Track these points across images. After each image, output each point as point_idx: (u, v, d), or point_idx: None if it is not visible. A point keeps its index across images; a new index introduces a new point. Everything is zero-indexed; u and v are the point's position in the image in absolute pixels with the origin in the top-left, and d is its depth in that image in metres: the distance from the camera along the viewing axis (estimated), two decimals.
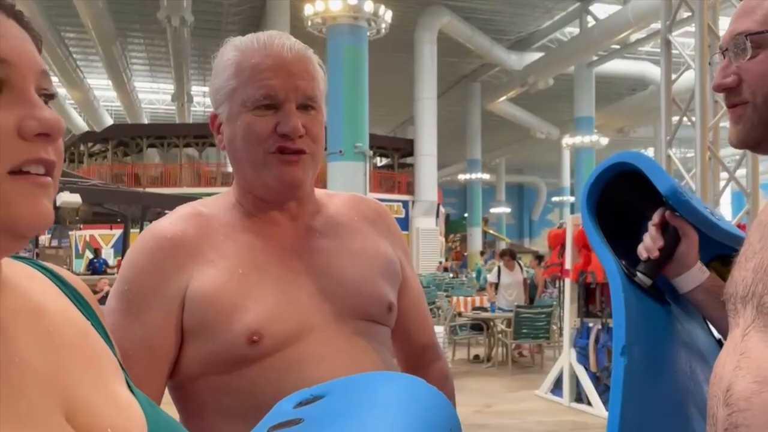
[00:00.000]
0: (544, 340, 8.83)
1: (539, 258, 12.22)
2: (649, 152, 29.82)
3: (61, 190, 9.14)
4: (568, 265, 6.82)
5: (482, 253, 28.47)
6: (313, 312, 1.02)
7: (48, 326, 0.59)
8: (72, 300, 0.66)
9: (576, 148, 25.36)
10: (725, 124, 1.02)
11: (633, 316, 1.06)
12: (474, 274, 19.15)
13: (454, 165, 35.19)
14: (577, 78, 24.33)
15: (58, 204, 8.94)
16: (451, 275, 20.83)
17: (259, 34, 1.07)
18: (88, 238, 19.20)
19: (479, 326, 9.51)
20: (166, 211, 1.10)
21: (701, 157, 6.61)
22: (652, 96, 22.59)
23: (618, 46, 22.39)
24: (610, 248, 1.14)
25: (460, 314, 10.00)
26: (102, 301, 0.85)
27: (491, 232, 36.69)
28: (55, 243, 14.89)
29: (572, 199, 32.01)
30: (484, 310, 9.92)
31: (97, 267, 13.48)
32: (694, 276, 1.12)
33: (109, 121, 28.76)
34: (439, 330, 7.85)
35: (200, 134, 22.58)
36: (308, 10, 16.00)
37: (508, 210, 41.13)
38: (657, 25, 15.85)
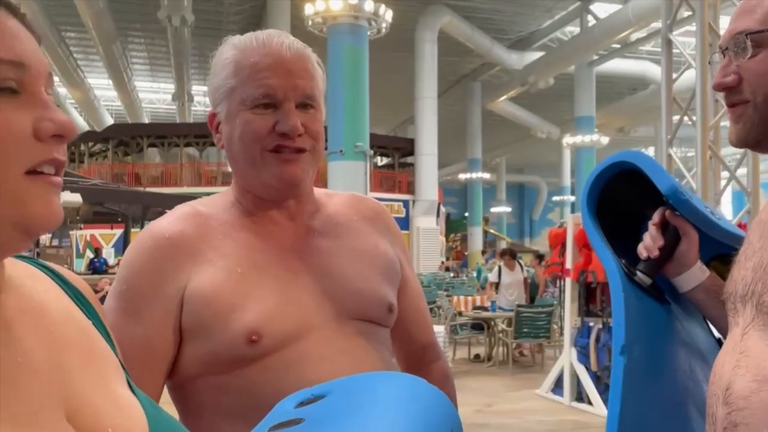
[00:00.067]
0: (545, 339, 8.83)
1: (540, 257, 12.21)
2: (650, 151, 29.81)
3: (61, 189, 9.13)
4: (568, 265, 6.82)
5: (483, 253, 28.47)
6: (313, 312, 1.02)
7: (49, 325, 0.59)
8: (73, 299, 0.66)
9: (576, 148, 25.35)
10: (726, 123, 1.02)
11: (633, 316, 1.06)
12: (474, 274, 19.14)
13: (455, 164, 35.18)
14: (577, 77, 24.31)
15: None
16: (452, 275, 20.82)
17: (258, 33, 1.07)
18: (88, 238, 19.19)
19: (480, 326, 9.51)
20: (167, 211, 1.10)
21: (702, 156, 6.61)
22: (652, 95, 22.58)
23: (618, 46, 22.38)
24: (610, 247, 1.14)
25: (460, 314, 10.00)
26: (103, 300, 0.85)
27: (492, 231, 36.68)
28: (55, 242, 14.90)
29: (573, 198, 32.00)
30: (485, 309, 9.92)
31: (97, 266, 13.47)
32: (694, 275, 1.12)
33: (110, 121, 28.76)
34: (440, 329, 7.85)
35: (201, 134, 22.58)
36: (309, 9, 15.99)
37: (508, 209, 41.12)
38: (657, 25, 15.86)
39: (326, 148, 14.87)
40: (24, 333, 0.56)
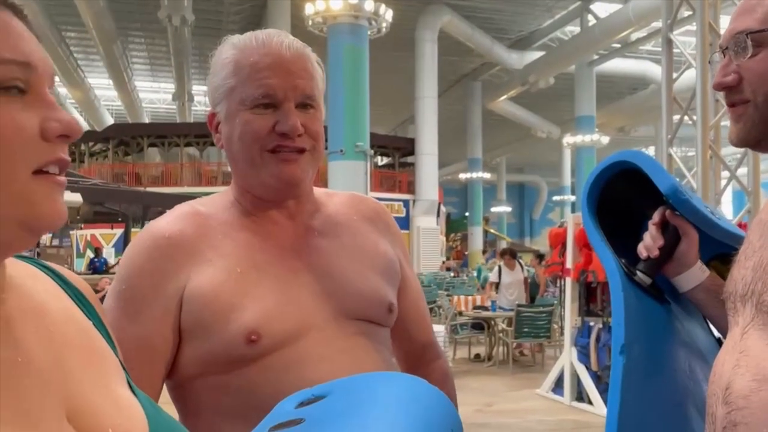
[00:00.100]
0: (545, 339, 8.83)
1: (540, 257, 12.22)
2: (650, 151, 29.81)
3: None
4: (569, 264, 6.82)
5: (484, 252, 28.48)
6: (313, 312, 1.02)
7: (50, 325, 0.59)
8: (74, 299, 0.66)
9: (577, 147, 25.35)
10: (726, 122, 1.02)
11: (632, 315, 1.06)
12: (475, 273, 19.15)
13: (455, 164, 35.18)
14: (577, 77, 24.31)
15: None
16: (452, 274, 20.83)
17: (258, 33, 1.06)
18: (89, 238, 19.21)
19: (480, 325, 9.51)
20: (167, 211, 1.10)
21: (702, 155, 6.61)
22: (653, 95, 22.59)
23: (619, 45, 22.38)
24: (610, 247, 1.14)
25: (461, 313, 10.00)
26: (103, 300, 0.85)
27: (492, 231, 36.68)
28: (56, 242, 14.91)
29: (573, 198, 32.00)
30: (485, 309, 9.93)
31: (98, 266, 13.48)
32: (693, 275, 1.12)
33: (110, 121, 28.77)
34: (440, 329, 7.85)
35: (201, 133, 22.58)
36: (309, 9, 16.00)
37: (509, 209, 41.12)
38: (658, 24, 15.85)
39: (326, 148, 14.90)
40: (25, 333, 0.56)
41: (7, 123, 0.52)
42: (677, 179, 1.14)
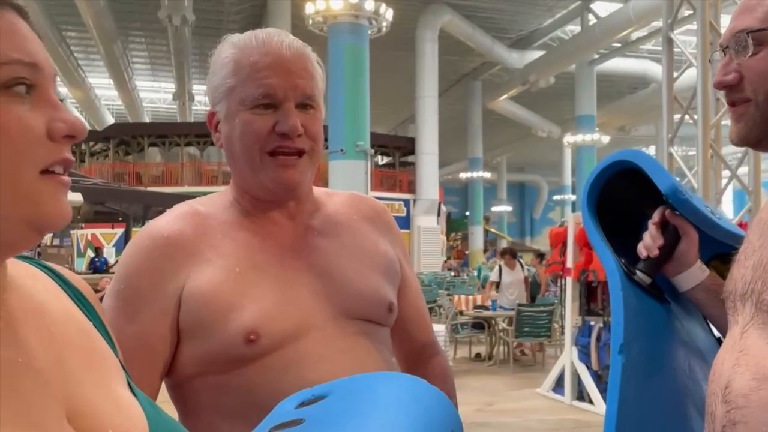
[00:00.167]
0: (546, 338, 8.83)
1: (540, 256, 12.22)
2: (651, 150, 29.81)
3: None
4: (569, 264, 6.82)
5: (485, 251, 28.49)
6: (312, 311, 1.02)
7: (50, 326, 0.59)
8: (74, 300, 0.66)
9: (577, 147, 25.34)
10: (727, 121, 1.02)
11: (631, 315, 1.06)
12: (475, 273, 19.16)
13: (456, 163, 35.17)
14: (578, 76, 24.31)
15: None
16: (453, 274, 20.85)
17: (258, 32, 1.06)
18: (89, 237, 19.18)
19: (481, 325, 9.51)
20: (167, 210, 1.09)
21: (703, 155, 6.61)
22: (653, 94, 22.59)
23: (619, 44, 22.37)
24: (609, 246, 1.14)
25: (461, 313, 10.00)
26: (102, 299, 0.85)
27: (493, 230, 36.68)
28: (56, 242, 14.91)
29: (573, 197, 31.99)
30: (486, 308, 9.93)
31: (98, 266, 13.49)
32: (693, 275, 1.12)
33: (111, 120, 28.77)
34: (441, 328, 7.86)
35: (202, 133, 22.57)
36: (309, 8, 16.00)
37: (509, 208, 41.12)
38: (658, 23, 15.85)
39: (326, 147, 14.91)
40: (25, 333, 0.56)
41: (14, 123, 0.52)
42: (678, 179, 1.14)
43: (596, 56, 23.49)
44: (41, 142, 0.53)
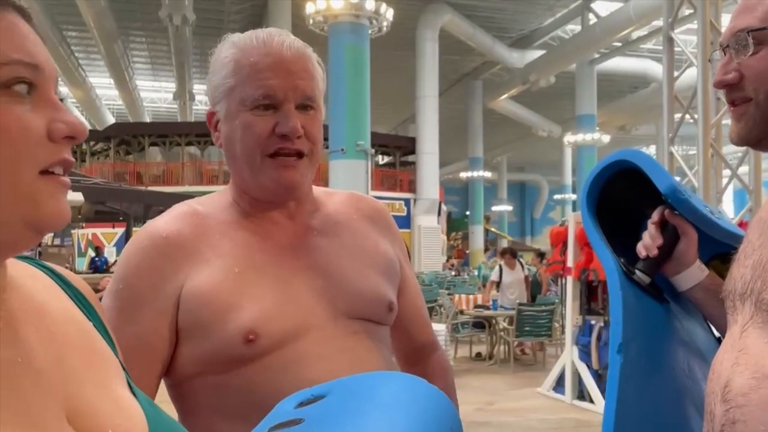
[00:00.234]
0: (546, 337, 8.83)
1: (541, 255, 12.22)
2: (651, 150, 29.82)
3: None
4: (570, 263, 6.82)
5: (486, 251, 28.48)
6: (312, 311, 1.02)
7: (50, 326, 0.59)
8: (74, 300, 0.66)
9: (578, 146, 25.33)
10: (727, 121, 1.02)
11: (630, 314, 1.06)
12: (476, 272, 19.17)
13: (456, 163, 35.17)
14: (578, 76, 24.29)
15: None
16: (453, 273, 20.86)
17: (258, 32, 1.06)
18: (90, 237, 19.19)
19: (481, 324, 9.51)
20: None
21: (704, 154, 6.60)
22: (654, 93, 22.57)
23: (620, 44, 22.36)
24: (609, 246, 1.14)
25: (462, 312, 10.00)
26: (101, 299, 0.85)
27: (493, 230, 36.67)
28: (57, 242, 14.91)
29: (574, 196, 31.97)
30: (486, 308, 9.93)
31: (98, 265, 13.50)
32: (692, 274, 1.12)
33: (111, 120, 28.78)
34: (441, 328, 7.86)
35: (202, 132, 22.55)
36: (310, 8, 15.99)
37: (509, 208, 41.11)
38: (659, 23, 15.83)
39: (327, 147, 14.90)
40: (25, 333, 0.56)
41: (14, 123, 0.52)
42: (678, 178, 1.14)
43: (597, 55, 23.48)
44: (41, 143, 0.54)
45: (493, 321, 9.18)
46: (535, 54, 23.71)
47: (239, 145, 1.03)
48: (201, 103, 28.37)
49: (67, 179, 0.56)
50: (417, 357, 1.24)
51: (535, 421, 6.18)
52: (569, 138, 26.48)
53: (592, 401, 6.45)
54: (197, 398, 1.01)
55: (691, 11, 7.05)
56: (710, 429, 0.87)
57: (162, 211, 1.12)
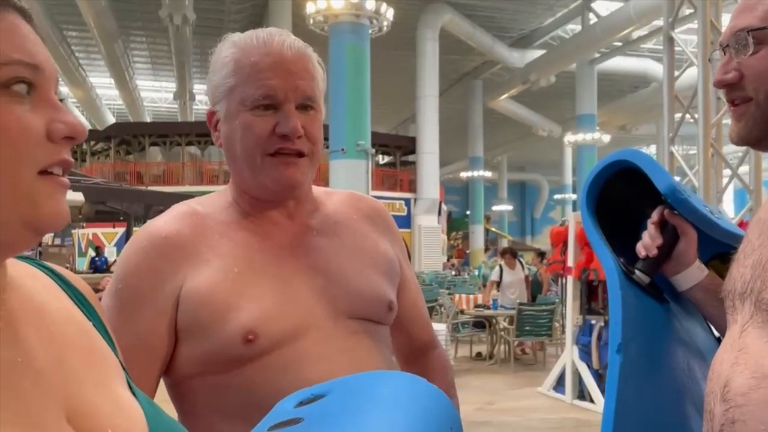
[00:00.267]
0: (547, 337, 8.83)
1: (541, 255, 12.21)
2: (652, 149, 29.81)
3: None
4: (570, 263, 6.82)
5: (486, 250, 28.49)
6: (311, 311, 1.02)
7: (50, 326, 0.59)
8: (74, 300, 0.66)
9: (578, 146, 25.33)
10: (728, 121, 1.02)
11: (630, 314, 1.06)
12: (476, 272, 19.17)
13: (456, 163, 35.17)
14: (579, 75, 24.29)
15: None
16: (453, 273, 20.86)
17: (258, 31, 1.06)
18: (90, 237, 19.19)
19: (482, 324, 9.51)
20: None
21: (704, 154, 6.60)
22: (654, 93, 22.57)
23: (620, 43, 22.35)
24: (608, 246, 1.14)
25: (462, 312, 10.00)
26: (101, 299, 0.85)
27: (493, 229, 36.67)
28: (57, 241, 14.91)
29: (574, 196, 31.96)
30: (487, 307, 9.93)
31: (99, 265, 13.51)
32: (692, 274, 1.12)
33: (112, 120, 28.78)
34: (442, 327, 7.86)
35: (202, 132, 22.54)
36: (310, 8, 16.00)
37: (510, 207, 41.11)
38: (659, 22, 15.81)
39: (327, 147, 14.89)
40: (25, 333, 0.56)
41: (13, 123, 0.52)
42: (678, 178, 1.14)
43: (597, 55, 23.47)
44: (40, 143, 0.54)
45: (494, 321, 9.18)
46: (536, 54, 23.71)
47: (239, 145, 1.03)
48: (201, 102, 28.36)
49: (66, 180, 0.56)
50: (417, 356, 1.24)
51: (535, 421, 6.18)
52: (569, 138, 26.47)
53: (592, 401, 6.45)
54: (197, 398, 1.01)
55: (692, 11, 7.05)
56: (710, 429, 0.87)
57: (162, 211, 1.12)
